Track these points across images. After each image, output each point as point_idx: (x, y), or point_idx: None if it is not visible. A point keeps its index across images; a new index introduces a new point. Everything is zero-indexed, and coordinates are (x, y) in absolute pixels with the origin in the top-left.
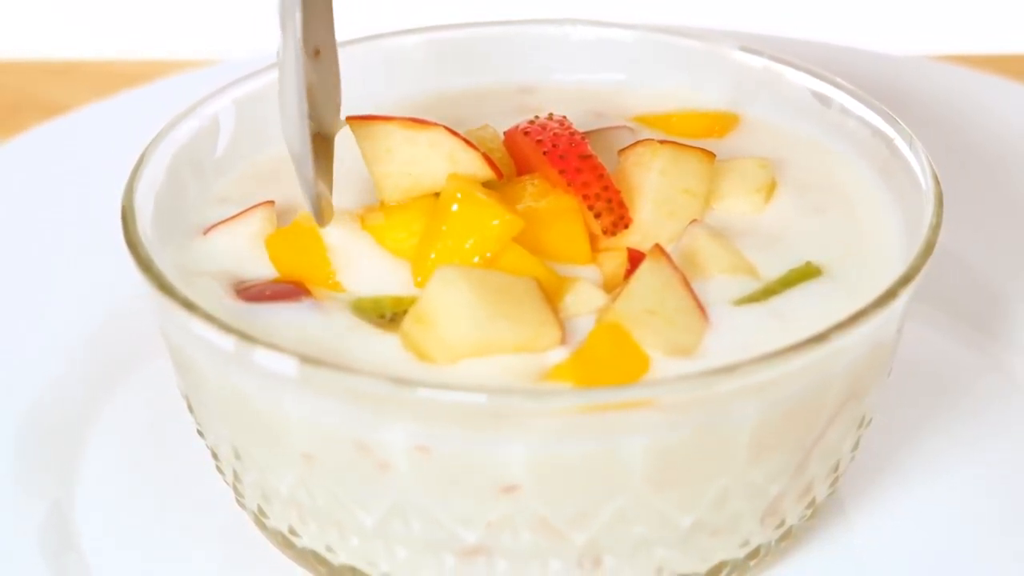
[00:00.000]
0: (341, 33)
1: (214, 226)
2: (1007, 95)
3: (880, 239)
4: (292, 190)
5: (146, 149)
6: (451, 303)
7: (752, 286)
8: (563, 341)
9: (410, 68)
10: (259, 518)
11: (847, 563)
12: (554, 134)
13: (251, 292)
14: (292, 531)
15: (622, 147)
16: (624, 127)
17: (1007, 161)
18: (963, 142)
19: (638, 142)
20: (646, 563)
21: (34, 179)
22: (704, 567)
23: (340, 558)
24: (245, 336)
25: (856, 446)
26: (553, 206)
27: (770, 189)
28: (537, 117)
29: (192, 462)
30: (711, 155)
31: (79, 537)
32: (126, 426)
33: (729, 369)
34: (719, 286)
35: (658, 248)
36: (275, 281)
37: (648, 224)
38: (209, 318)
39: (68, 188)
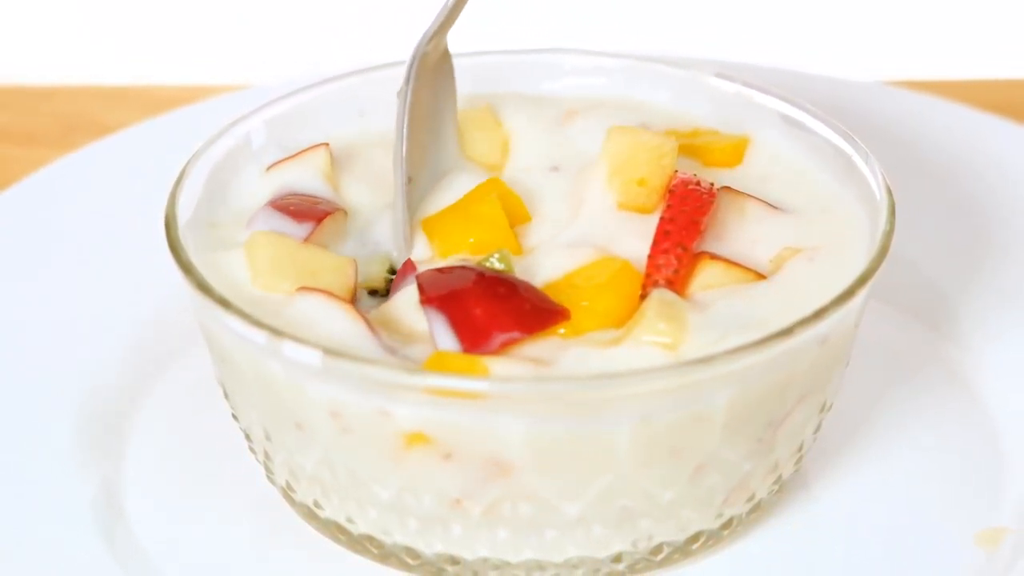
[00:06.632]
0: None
1: (274, 164)
2: (952, 116)
3: (843, 244)
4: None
5: (186, 164)
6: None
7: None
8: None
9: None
10: (287, 493)
11: (810, 532)
12: (684, 211)
13: (279, 203)
14: (316, 504)
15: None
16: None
17: (953, 174)
18: (914, 158)
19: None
20: (631, 532)
21: (90, 190)
22: (683, 536)
23: (359, 528)
24: (274, 330)
25: (818, 428)
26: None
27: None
28: (697, 179)
29: (228, 443)
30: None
31: (127, 509)
32: (169, 411)
33: (704, 360)
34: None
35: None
36: (317, 203)
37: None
38: (241, 314)
39: (119, 198)
